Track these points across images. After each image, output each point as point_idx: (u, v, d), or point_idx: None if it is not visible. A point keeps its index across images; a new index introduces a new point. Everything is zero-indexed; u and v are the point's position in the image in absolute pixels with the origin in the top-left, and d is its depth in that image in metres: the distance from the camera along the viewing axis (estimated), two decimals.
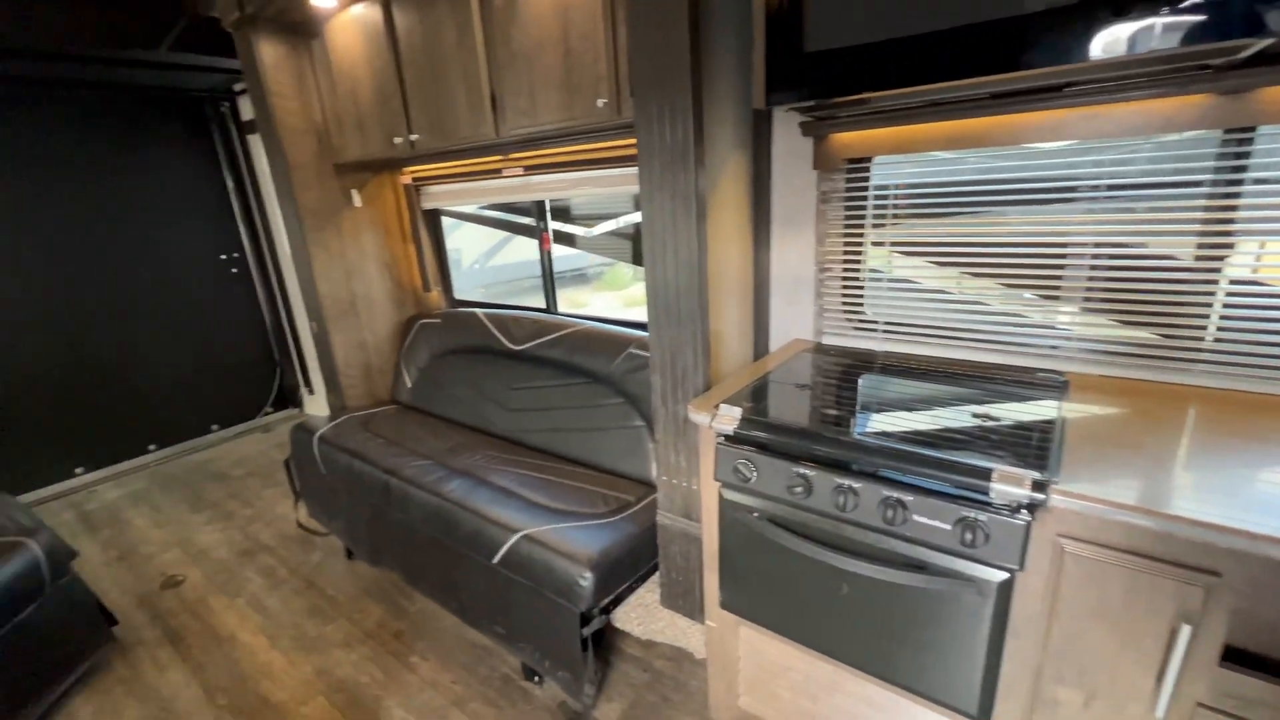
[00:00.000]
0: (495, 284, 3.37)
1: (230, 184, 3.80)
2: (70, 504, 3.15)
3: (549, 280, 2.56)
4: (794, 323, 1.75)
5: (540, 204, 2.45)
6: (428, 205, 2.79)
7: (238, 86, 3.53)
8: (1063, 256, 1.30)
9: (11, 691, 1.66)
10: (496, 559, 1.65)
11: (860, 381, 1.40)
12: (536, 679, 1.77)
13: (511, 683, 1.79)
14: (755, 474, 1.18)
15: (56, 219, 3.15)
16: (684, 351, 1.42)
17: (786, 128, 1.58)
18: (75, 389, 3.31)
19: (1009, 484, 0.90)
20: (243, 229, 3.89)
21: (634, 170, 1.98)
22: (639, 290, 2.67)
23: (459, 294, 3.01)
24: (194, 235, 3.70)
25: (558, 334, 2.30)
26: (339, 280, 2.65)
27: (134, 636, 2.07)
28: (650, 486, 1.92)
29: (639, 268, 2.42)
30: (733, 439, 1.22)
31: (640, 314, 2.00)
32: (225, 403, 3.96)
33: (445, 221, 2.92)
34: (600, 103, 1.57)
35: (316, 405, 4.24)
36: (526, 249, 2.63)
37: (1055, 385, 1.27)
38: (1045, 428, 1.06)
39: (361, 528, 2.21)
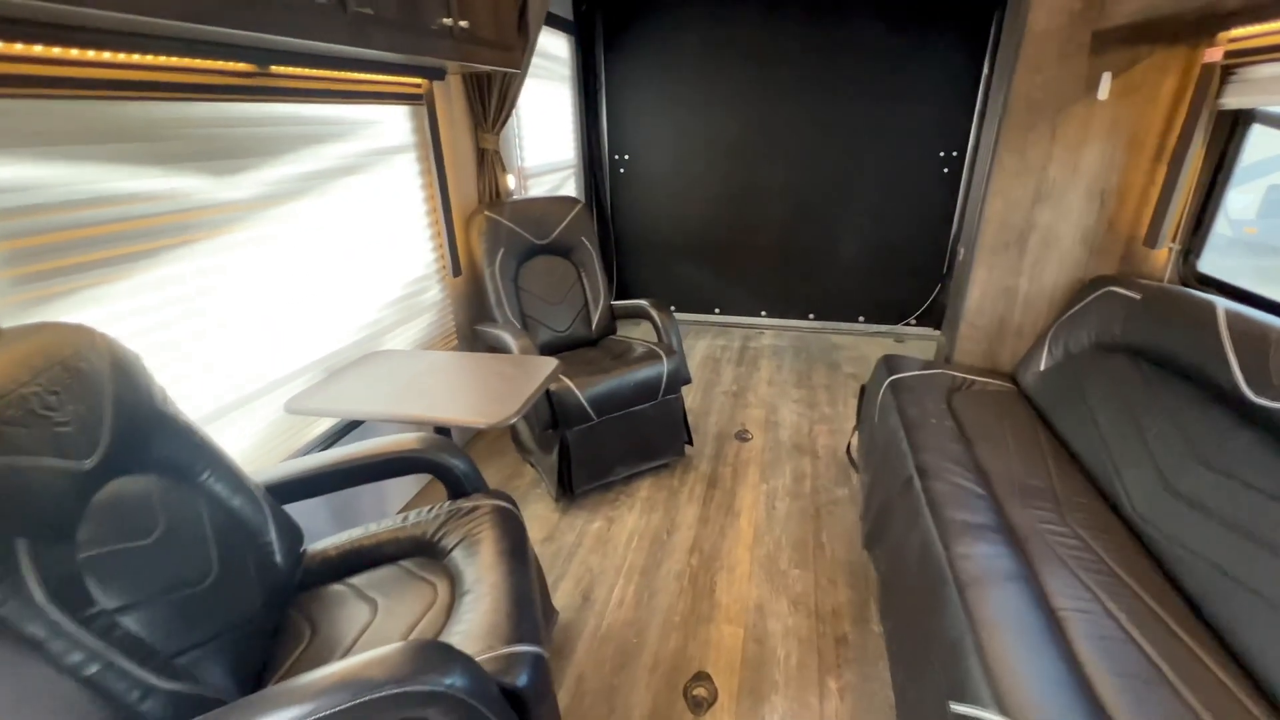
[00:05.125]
0: None
1: (985, 71, 3.36)
2: (744, 335, 4.05)
3: None
4: None
5: None
6: (1233, 102, 1.62)
7: None
8: None
9: (618, 452, 2.31)
10: (948, 696, 1.00)
11: None
12: None
13: None
14: None
15: (836, 100, 3.59)
16: None
17: None
18: (781, 249, 4.03)
19: None
20: (974, 126, 3.48)
21: None
22: None
23: (1206, 265, 1.78)
24: (925, 127, 3.57)
25: None
26: (1019, 200, 1.98)
27: (694, 462, 2.53)
28: None
29: None
30: None
31: None
32: (878, 300, 4.04)
33: (1257, 142, 1.66)
34: None
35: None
36: None
37: None
38: None
39: (875, 501, 1.84)
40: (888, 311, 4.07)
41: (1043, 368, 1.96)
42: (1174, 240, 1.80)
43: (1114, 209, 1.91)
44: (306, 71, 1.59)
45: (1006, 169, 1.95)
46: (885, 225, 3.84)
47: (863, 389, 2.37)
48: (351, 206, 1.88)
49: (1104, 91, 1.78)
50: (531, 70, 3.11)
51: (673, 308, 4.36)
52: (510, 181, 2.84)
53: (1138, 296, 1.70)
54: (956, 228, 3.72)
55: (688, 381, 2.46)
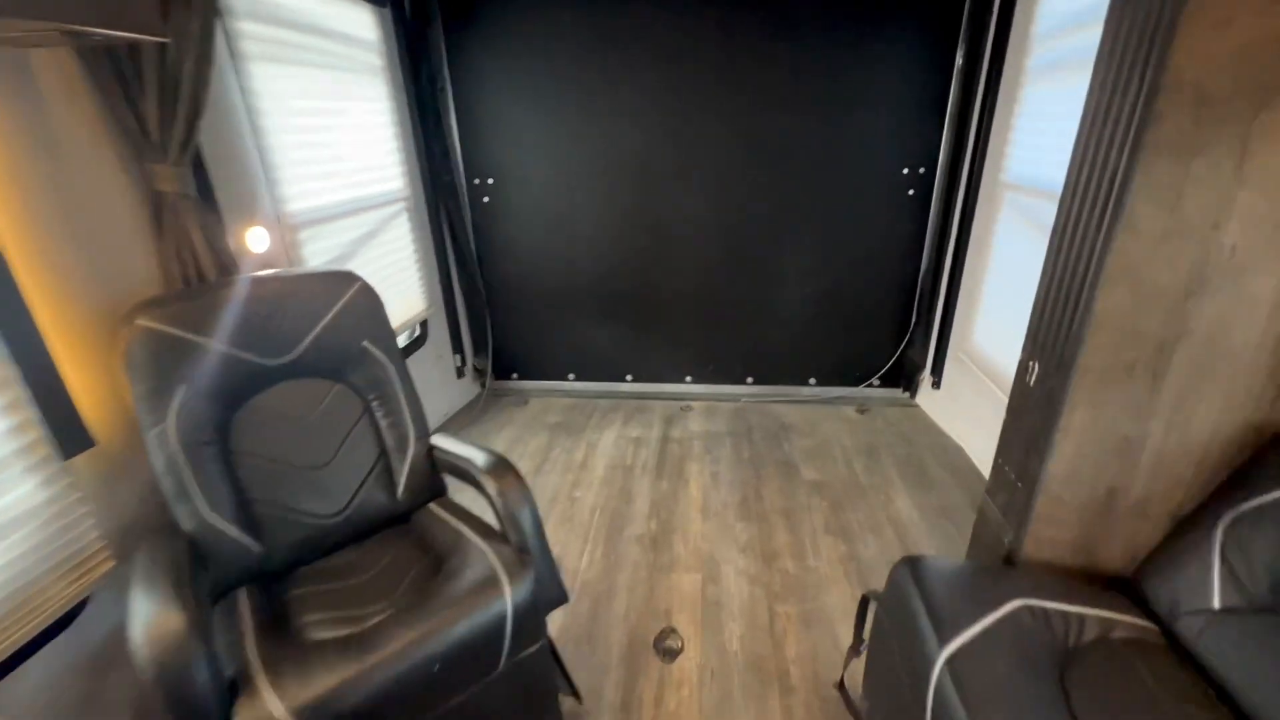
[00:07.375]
0: None
1: (959, 61, 2.50)
2: (666, 414, 3.01)
3: None
4: None
5: None
6: None
7: None
8: None
9: None
10: None
11: None
12: None
13: None
14: None
15: (765, 104, 2.64)
16: None
17: None
18: (706, 297, 3.03)
19: None
20: (946, 133, 2.62)
21: None
22: None
23: None
24: (882, 140, 2.69)
25: None
26: (1163, 287, 1.03)
27: None
28: None
29: None
30: None
31: None
32: (831, 357, 3.13)
33: None
34: None
35: (934, 404, 2.93)
36: None
37: None
38: None
39: None
40: (845, 371, 3.16)
41: (1218, 605, 1.02)
42: None
43: None
44: None
45: (1141, 230, 0.99)
46: (836, 263, 2.93)
47: (864, 601, 1.36)
48: None
49: None
50: (298, 56, 1.85)
51: (571, 375, 3.27)
52: (256, 241, 1.66)
53: None
54: (926, 264, 2.86)
55: (561, 603, 1.37)
